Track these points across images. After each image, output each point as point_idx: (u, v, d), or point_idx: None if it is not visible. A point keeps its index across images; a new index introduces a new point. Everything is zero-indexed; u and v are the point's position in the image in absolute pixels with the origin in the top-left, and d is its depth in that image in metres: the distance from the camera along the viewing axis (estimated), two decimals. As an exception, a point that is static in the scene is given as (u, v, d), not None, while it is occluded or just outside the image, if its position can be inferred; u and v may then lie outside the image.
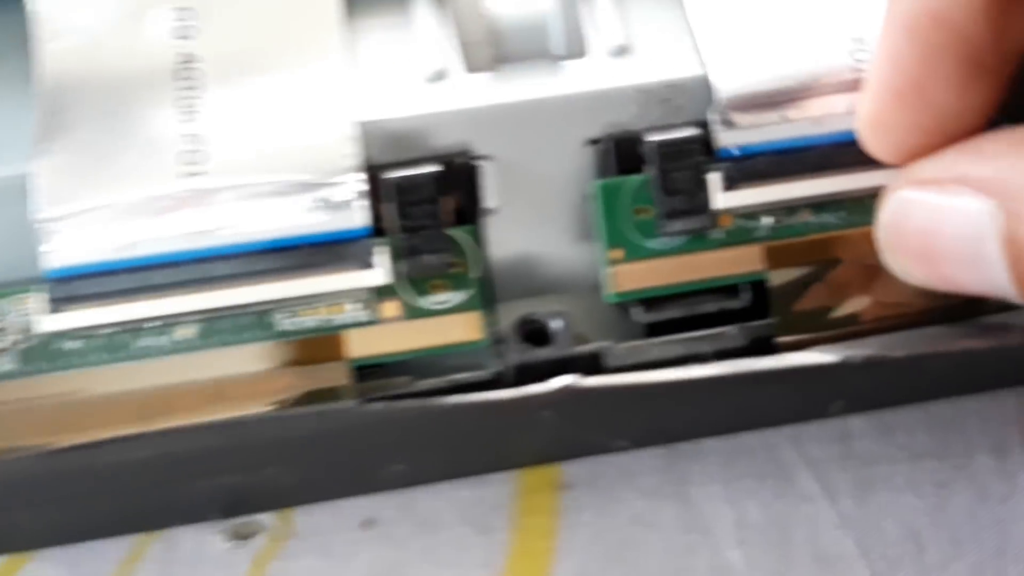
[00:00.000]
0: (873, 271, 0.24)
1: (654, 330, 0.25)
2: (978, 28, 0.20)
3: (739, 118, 0.24)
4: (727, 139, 0.24)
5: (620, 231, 0.25)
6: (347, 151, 0.23)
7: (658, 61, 0.25)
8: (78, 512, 0.25)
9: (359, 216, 0.23)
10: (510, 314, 0.25)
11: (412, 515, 0.26)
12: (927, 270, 0.21)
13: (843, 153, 0.24)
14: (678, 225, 0.24)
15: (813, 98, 0.24)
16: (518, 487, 0.26)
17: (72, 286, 0.23)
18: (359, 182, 0.23)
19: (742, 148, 0.24)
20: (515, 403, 0.23)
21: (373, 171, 0.24)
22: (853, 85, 0.24)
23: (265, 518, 0.26)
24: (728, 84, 0.24)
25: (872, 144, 0.22)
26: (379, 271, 0.23)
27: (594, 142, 0.25)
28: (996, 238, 0.20)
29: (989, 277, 0.20)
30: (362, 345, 0.24)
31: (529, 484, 0.26)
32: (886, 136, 0.21)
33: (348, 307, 0.24)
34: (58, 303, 0.23)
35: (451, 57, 0.25)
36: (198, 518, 0.26)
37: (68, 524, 0.25)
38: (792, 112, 0.24)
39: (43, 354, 0.23)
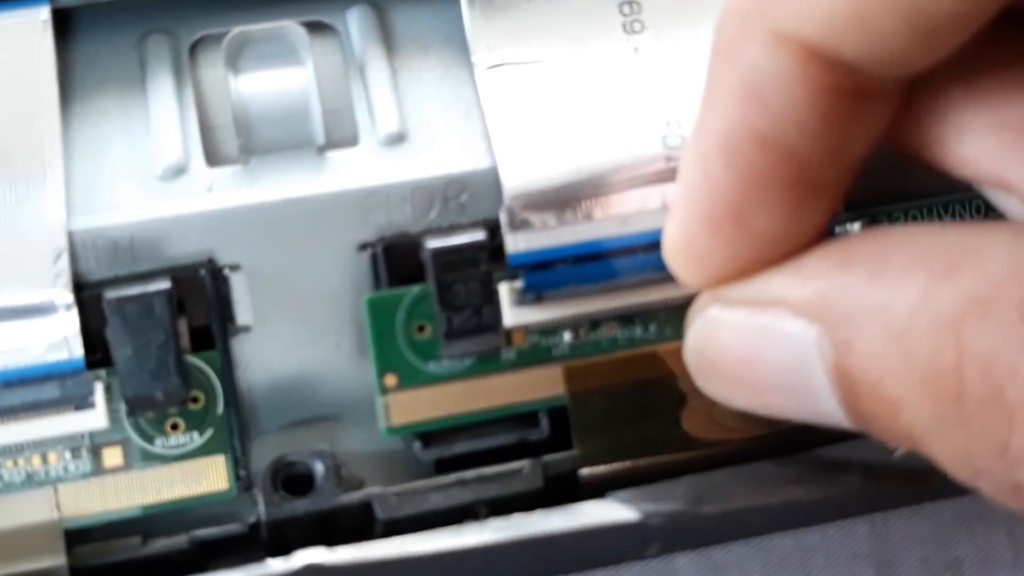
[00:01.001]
0: (691, 391, 0.21)
1: (443, 466, 0.21)
2: (813, 146, 0.17)
3: (534, 218, 0.21)
4: (520, 243, 0.21)
5: (394, 353, 0.21)
6: (57, 267, 0.19)
7: (440, 151, 0.21)
8: None
9: (69, 345, 0.19)
10: (271, 450, 0.21)
11: None
12: (746, 398, 0.18)
13: (653, 257, 0.20)
14: (463, 346, 0.21)
15: (620, 193, 0.21)
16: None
17: None
18: (68, 304, 0.19)
19: (537, 253, 0.21)
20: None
21: (89, 289, 0.20)
22: (665, 175, 0.21)
23: None
24: (520, 178, 0.21)
25: (682, 273, 0.18)
26: (96, 412, 0.19)
27: (364, 247, 0.21)
28: (823, 369, 0.17)
29: (818, 408, 0.17)
30: (78, 503, 0.20)
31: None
32: (697, 266, 0.18)
33: (61, 456, 0.20)
34: None
35: (191, 149, 0.21)
36: None
37: None
38: (596, 210, 0.21)
39: None
